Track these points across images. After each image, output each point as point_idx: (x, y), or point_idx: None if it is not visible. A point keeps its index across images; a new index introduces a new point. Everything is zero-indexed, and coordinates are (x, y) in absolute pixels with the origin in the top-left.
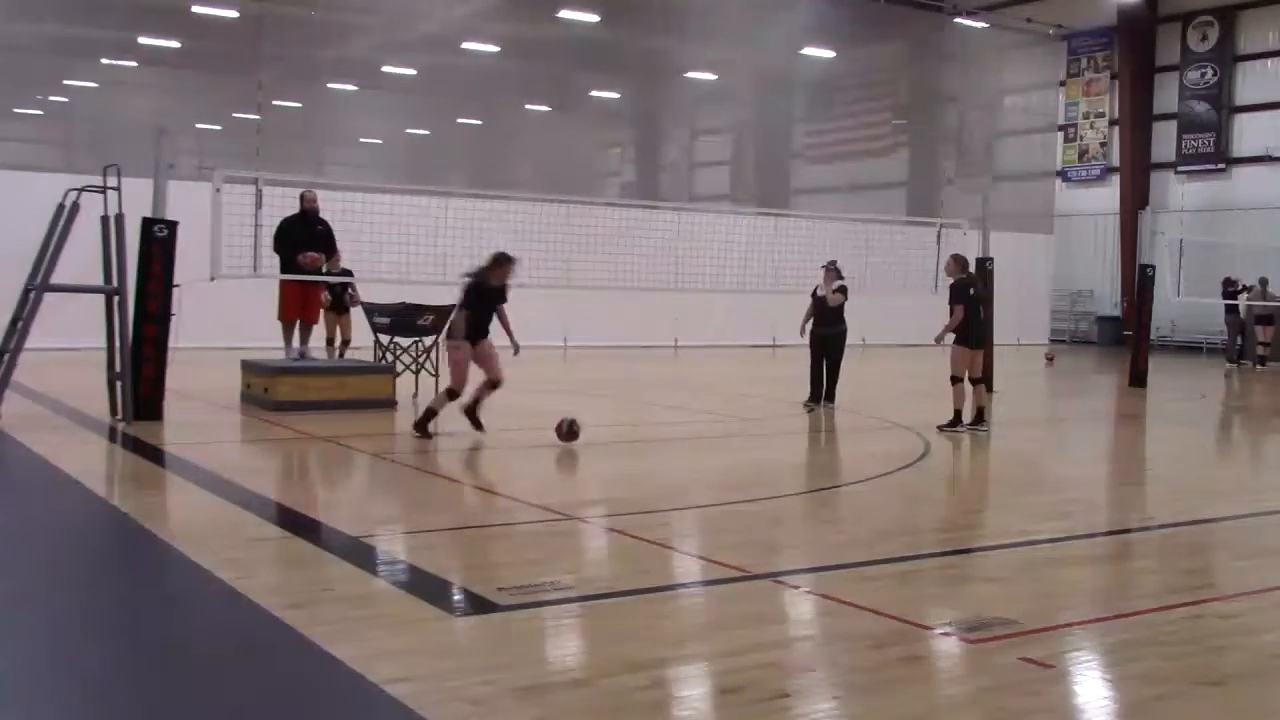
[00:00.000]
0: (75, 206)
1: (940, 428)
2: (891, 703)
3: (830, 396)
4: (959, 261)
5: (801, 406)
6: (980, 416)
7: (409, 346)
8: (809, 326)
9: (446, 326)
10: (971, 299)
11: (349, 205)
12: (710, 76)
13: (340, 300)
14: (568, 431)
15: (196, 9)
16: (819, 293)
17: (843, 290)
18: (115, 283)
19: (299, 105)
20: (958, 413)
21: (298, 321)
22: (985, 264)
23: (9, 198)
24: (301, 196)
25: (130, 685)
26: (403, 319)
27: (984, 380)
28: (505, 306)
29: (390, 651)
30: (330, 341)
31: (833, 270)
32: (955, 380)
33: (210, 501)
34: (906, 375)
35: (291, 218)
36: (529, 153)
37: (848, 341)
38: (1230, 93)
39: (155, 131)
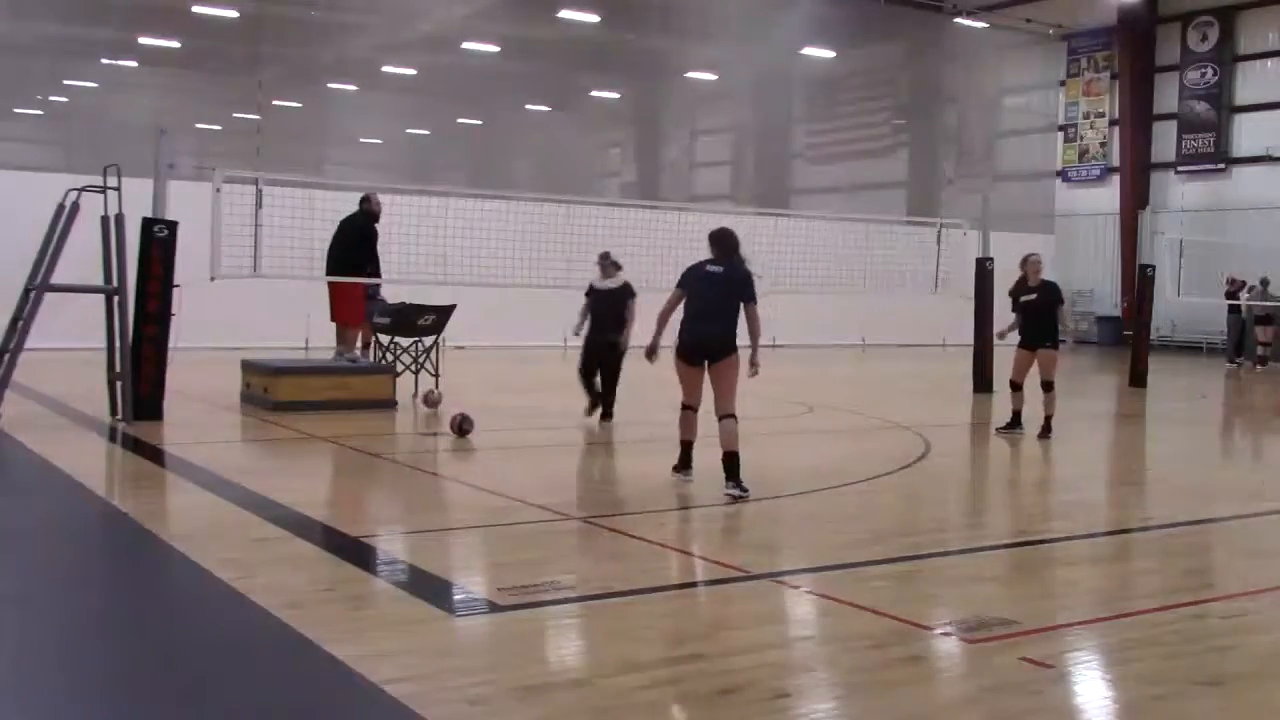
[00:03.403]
0: (75, 206)
1: (1040, 436)
2: (891, 703)
3: (609, 412)
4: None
5: (586, 415)
6: (1016, 420)
7: (409, 346)
8: (584, 329)
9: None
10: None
11: (349, 205)
12: (710, 76)
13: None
14: (459, 427)
15: (196, 9)
16: (597, 285)
17: (629, 288)
18: (115, 283)
19: (299, 105)
20: (1048, 418)
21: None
22: (985, 264)
23: (9, 198)
24: (371, 199)
25: (130, 685)
26: (403, 319)
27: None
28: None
29: (390, 651)
30: (365, 344)
31: (610, 264)
32: (1051, 386)
33: (210, 501)
34: (906, 375)
35: (370, 223)
36: (529, 153)
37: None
38: (1230, 93)
39: (155, 131)
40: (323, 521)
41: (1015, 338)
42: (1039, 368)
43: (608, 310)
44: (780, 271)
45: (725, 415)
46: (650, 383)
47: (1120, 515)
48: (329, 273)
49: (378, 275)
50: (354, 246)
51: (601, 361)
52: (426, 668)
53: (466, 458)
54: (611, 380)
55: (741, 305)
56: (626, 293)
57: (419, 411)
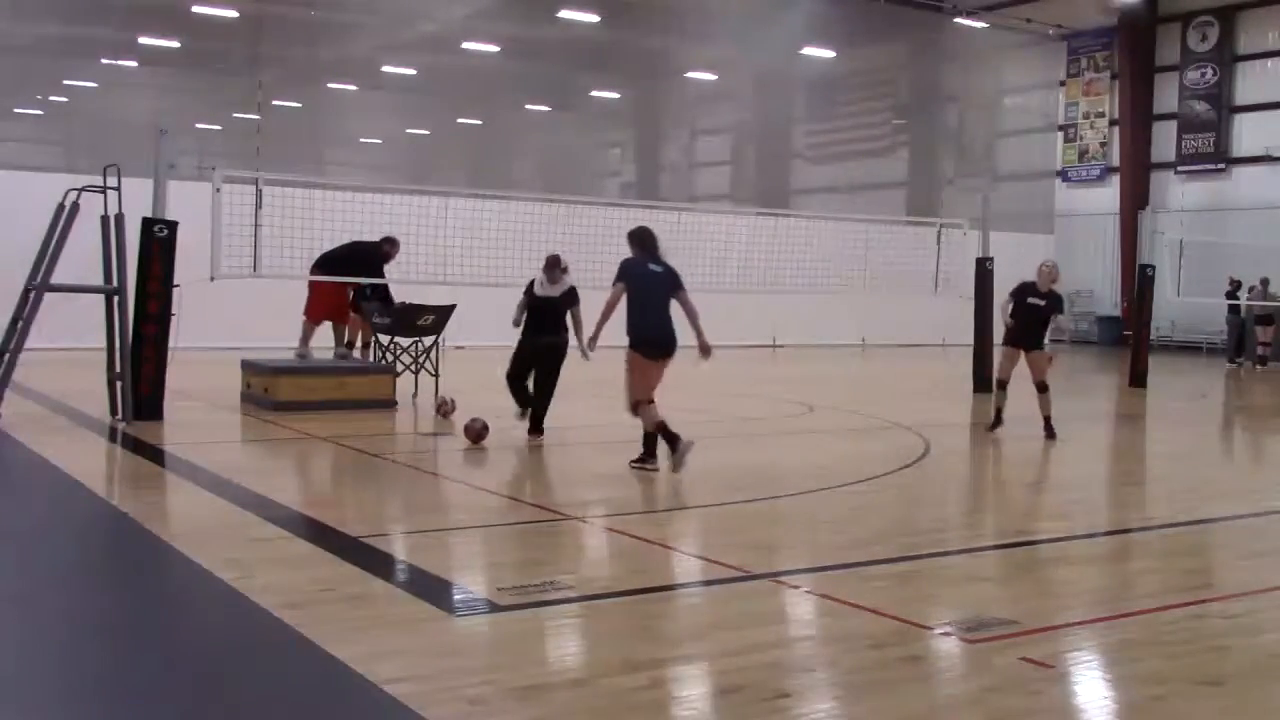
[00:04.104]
0: (75, 206)
1: (1047, 437)
2: (891, 703)
3: (539, 424)
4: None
5: (518, 420)
6: (999, 418)
7: (409, 346)
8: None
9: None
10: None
11: (349, 205)
12: (710, 76)
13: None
14: (479, 432)
15: (196, 9)
16: (538, 291)
17: (573, 295)
18: (115, 283)
19: (299, 105)
20: (1047, 419)
21: (324, 325)
22: (985, 264)
23: (9, 198)
24: (394, 241)
25: (130, 685)
26: (403, 319)
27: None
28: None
29: (390, 651)
30: (365, 344)
31: (561, 270)
32: (1045, 386)
33: (210, 501)
34: (907, 375)
35: (379, 255)
36: (529, 153)
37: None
38: (1230, 93)
39: (155, 131)
40: (323, 521)
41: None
42: (1032, 369)
43: (547, 316)
44: (780, 271)
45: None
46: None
47: (1120, 515)
48: (314, 270)
49: (375, 287)
50: (347, 258)
51: (538, 367)
52: (426, 668)
53: (466, 458)
54: (549, 388)
55: (675, 297)
56: (572, 298)
57: (419, 411)
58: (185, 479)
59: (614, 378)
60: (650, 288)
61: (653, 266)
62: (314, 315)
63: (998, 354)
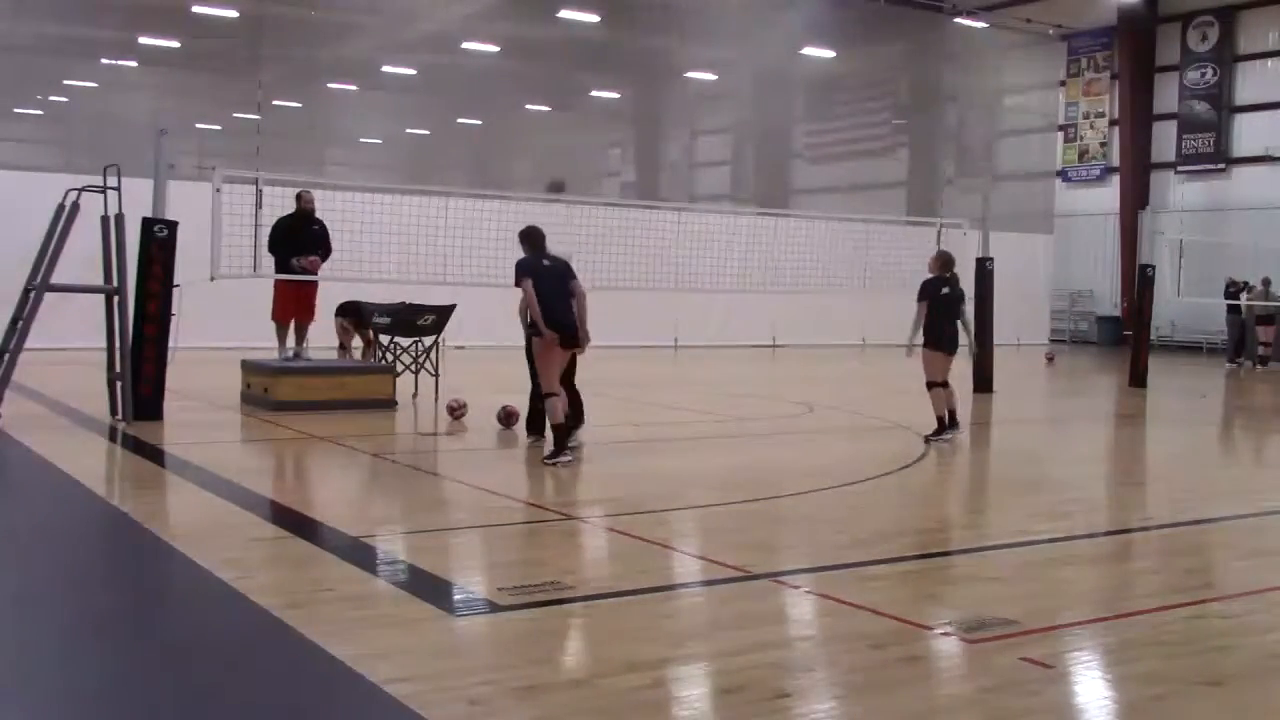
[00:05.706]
0: (75, 206)
1: (927, 438)
2: (891, 703)
3: (540, 428)
4: (940, 259)
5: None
6: (953, 419)
7: (409, 346)
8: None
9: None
10: (939, 299)
11: (349, 205)
12: (710, 76)
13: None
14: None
15: (196, 9)
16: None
17: None
18: (115, 283)
19: (299, 105)
20: (941, 420)
21: (292, 322)
22: (985, 264)
23: (9, 198)
24: (298, 197)
25: (130, 685)
26: (403, 319)
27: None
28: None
29: (390, 651)
30: (368, 344)
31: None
32: (930, 385)
33: (210, 501)
34: (906, 375)
35: (287, 218)
36: (529, 153)
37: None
38: (1230, 93)
39: (155, 131)
40: (323, 521)
41: (919, 339)
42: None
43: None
44: (780, 271)
45: (572, 387)
46: (650, 387)
47: (1120, 515)
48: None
49: (310, 261)
50: (281, 239)
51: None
52: (426, 668)
53: (466, 458)
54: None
55: (569, 286)
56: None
57: (419, 411)
58: (185, 479)
59: (613, 377)
60: (553, 280)
61: (548, 262)
62: (279, 316)
63: (935, 359)
